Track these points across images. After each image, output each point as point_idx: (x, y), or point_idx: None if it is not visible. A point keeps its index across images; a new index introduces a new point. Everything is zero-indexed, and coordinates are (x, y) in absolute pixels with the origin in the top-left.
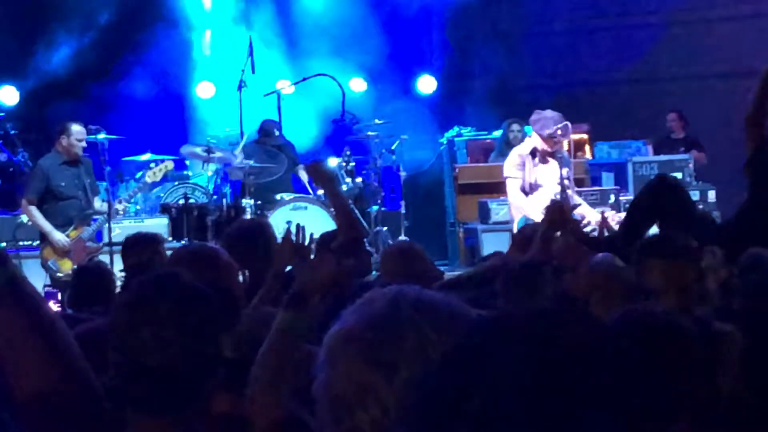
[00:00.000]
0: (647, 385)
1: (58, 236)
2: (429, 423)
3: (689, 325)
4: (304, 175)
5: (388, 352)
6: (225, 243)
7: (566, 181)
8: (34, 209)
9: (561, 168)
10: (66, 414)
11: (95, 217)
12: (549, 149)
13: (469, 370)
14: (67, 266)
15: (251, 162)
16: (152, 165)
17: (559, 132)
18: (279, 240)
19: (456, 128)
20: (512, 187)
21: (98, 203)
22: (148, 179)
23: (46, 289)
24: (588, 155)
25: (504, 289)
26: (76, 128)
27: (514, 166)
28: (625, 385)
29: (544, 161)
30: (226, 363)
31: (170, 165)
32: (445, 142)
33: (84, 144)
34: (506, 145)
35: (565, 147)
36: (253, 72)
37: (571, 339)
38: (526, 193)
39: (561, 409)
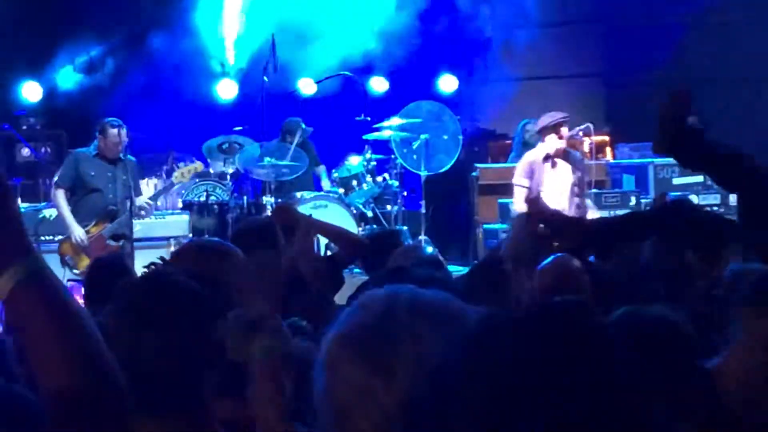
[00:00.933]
0: (648, 383)
1: (78, 231)
2: (431, 420)
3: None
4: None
5: (385, 355)
6: (232, 240)
7: (576, 188)
8: (60, 195)
9: (574, 172)
10: (91, 410)
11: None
12: (562, 147)
13: (474, 368)
14: (83, 264)
15: (273, 160)
16: (180, 165)
17: (581, 133)
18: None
19: (478, 128)
20: (518, 196)
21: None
22: (175, 180)
23: (71, 283)
24: (609, 157)
25: (468, 285)
26: (112, 132)
27: (521, 174)
28: (628, 383)
29: (554, 165)
30: (226, 366)
31: (200, 166)
32: (466, 142)
33: (120, 148)
34: (523, 146)
35: (586, 149)
36: (276, 71)
37: (575, 337)
38: None
39: (564, 406)
